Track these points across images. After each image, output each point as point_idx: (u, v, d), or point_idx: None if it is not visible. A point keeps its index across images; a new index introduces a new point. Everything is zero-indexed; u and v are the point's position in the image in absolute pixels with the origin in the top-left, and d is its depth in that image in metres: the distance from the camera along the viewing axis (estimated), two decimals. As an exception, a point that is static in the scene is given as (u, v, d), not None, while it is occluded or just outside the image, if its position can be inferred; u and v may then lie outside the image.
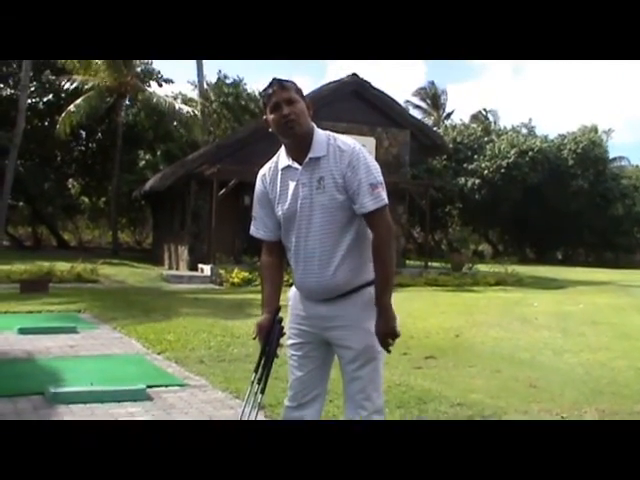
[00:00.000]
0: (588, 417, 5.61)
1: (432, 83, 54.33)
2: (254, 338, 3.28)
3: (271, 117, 3.18)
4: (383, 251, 3.17)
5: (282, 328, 3.26)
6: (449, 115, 53.71)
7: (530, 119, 69.06)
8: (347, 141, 3.22)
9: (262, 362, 3.22)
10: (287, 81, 3.21)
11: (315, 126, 3.24)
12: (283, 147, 3.30)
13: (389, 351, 3.18)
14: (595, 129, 44.65)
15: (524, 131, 47.04)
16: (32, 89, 29.72)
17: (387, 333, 3.13)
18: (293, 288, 3.41)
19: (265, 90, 3.22)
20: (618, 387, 6.91)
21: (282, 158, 3.29)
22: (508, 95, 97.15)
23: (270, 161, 3.39)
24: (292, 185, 3.22)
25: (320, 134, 3.22)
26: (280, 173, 3.28)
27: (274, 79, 3.21)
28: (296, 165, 3.22)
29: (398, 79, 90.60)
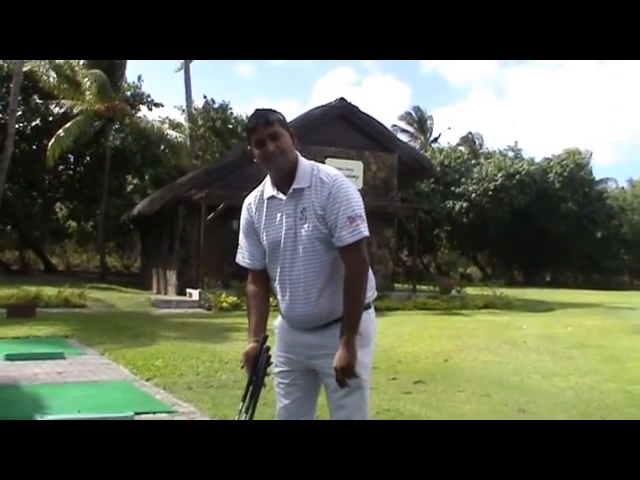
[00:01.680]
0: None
1: (418, 108, 54.73)
2: (242, 367, 3.27)
3: (256, 152, 3.18)
4: (355, 286, 3.13)
5: (269, 357, 3.25)
6: (436, 139, 54.05)
7: (516, 142, 69.44)
8: (330, 172, 3.20)
9: (249, 391, 3.20)
10: (271, 113, 3.19)
11: (299, 156, 3.24)
12: (268, 177, 3.31)
13: (342, 386, 3.10)
14: (578, 151, 44.98)
15: (510, 154, 47.37)
16: (20, 113, 29.70)
17: (347, 370, 3.06)
18: (279, 317, 3.40)
19: (249, 122, 3.22)
20: (607, 410, 6.90)
21: (267, 187, 3.30)
22: (492, 119, 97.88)
23: (256, 190, 3.39)
24: (277, 215, 3.23)
25: (305, 164, 3.22)
26: (266, 202, 3.29)
27: (257, 112, 3.21)
28: (281, 195, 3.22)
29: (383, 103, 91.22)
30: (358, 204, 3.14)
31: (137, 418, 5.91)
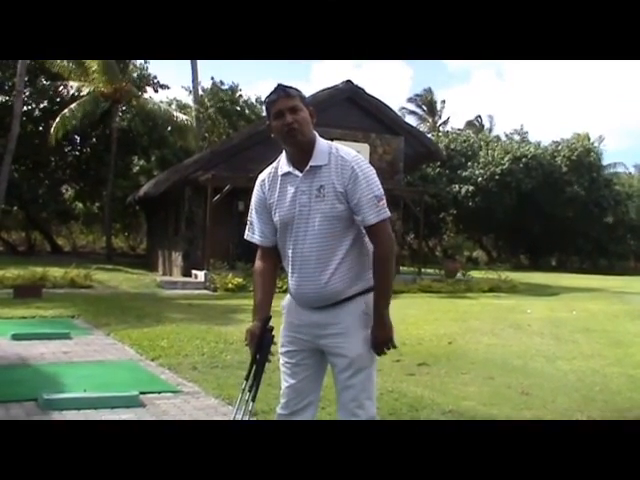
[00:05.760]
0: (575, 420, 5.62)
1: (429, 90, 54.45)
2: (246, 345, 3.30)
3: (274, 124, 3.19)
4: (385, 263, 3.21)
5: (273, 337, 3.27)
6: (445, 122, 53.83)
7: (522, 125, 69.25)
8: (350, 152, 3.23)
9: (253, 370, 3.23)
10: (292, 88, 3.21)
11: (317, 134, 3.26)
12: (284, 153, 3.31)
13: (379, 354, 3.25)
14: (588, 136, 44.78)
15: (517, 138, 47.20)
16: (27, 95, 29.67)
17: (385, 342, 3.21)
18: (287, 296, 3.41)
19: (269, 96, 3.22)
20: (610, 394, 6.93)
21: (282, 164, 3.30)
22: (497, 102, 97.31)
23: (270, 166, 3.39)
24: (291, 191, 3.23)
25: (322, 143, 3.24)
26: (280, 179, 3.29)
27: (279, 86, 3.22)
28: (297, 172, 3.23)
29: (383, 85, 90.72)
30: (379, 184, 3.21)
31: (139, 418, 5.92)
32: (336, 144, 3.28)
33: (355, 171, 3.14)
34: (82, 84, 28.61)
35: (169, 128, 32.38)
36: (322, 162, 3.18)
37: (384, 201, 3.19)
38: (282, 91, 3.18)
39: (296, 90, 3.22)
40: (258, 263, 3.42)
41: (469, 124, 53.35)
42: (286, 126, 3.13)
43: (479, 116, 54.82)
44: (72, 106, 27.43)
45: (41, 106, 31.43)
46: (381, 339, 3.20)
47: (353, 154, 3.22)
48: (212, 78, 38.41)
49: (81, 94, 28.52)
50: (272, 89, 3.23)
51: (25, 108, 28.73)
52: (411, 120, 47.90)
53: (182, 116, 31.60)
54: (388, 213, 3.20)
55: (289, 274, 3.32)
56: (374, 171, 3.23)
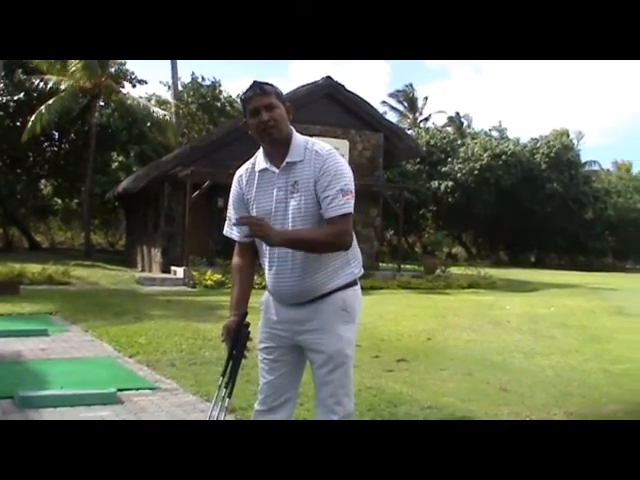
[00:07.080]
0: (557, 419, 5.66)
1: (410, 86, 54.62)
2: (222, 341, 3.29)
3: (250, 122, 3.18)
4: (325, 242, 3.12)
5: (249, 332, 3.26)
6: (427, 119, 53.99)
7: (500, 122, 69.62)
8: (325, 147, 3.21)
9: (229, 366, 3.22)
10: (268, 85, 3.19)
11: (294, 130, 3.25)
12: (261, 149, 3.30)
13: (256, 234, 3.08)
14: (567, 133, 45.12)
15: (495, 134, 47.44)
16: (3, 88, 29.40)
17: (260, 228, 3.04)
18: (266, 292, 3.40)
19: (245, 93, 3.21)
20: (588, 389, 6.97)
21: (260, 160, 3.29)
22: (475, 98, 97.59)
23: (247, 162, 3.39)
24: (268, 188, 3.23)
25: (299, 139, 3.23)
26: (257, 175, 3.29)
27: (255, 83, 3.20)
28: (273, 168, 3.22)
29: (361, 80, 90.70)
30: (350, 180, 3.17)
31: (117, 415, 5.90)
32: (313, 139, 3.27)
33: (326, 163, 3.12)
34: (61, 78, 28.38)
35: (148, 124, 32.24)
36: (298, 158, 3.17)
37: (350, 197, 3.12)
38: (258, 88, 3.17)
39: (272, 86, 3.20)
40: (236, 259, 3.41)
41: (450, 120, 53.50)
42: (262, 124, 3.13)
43: (457, 113, 55.05)
44: (49, 102, 27.22)
45: (16, 98, 31.10)
46: (263, 229, 3.02)
47: (327, 148, 3.20)
48: (192, 73, 38.24)
49: (60, 88, 28.29)
50: (248, 86, 3.22)
51: (1, 100, 28.43)
52: (392, 116, 48.10)
53: (161, 112, 31.47)
54: (351, 209, 3.12)
55: (266, 271, 3.31)
56: (347, 167, 3.20)
